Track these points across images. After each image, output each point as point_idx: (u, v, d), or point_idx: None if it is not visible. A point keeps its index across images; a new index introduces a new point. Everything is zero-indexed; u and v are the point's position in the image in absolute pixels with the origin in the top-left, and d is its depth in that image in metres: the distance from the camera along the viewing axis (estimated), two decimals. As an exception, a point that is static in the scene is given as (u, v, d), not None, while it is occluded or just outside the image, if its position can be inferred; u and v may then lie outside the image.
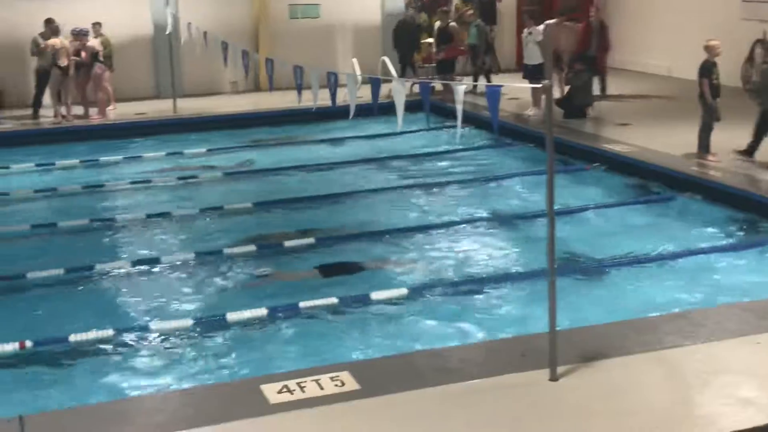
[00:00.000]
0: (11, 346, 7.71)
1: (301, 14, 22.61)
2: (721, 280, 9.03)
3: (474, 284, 9.20)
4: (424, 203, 12.61)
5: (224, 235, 11.21)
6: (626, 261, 9.69)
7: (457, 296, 8.89)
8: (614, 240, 10.47)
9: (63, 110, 18.40)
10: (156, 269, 9.99)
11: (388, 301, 8.73)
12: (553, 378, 6.25)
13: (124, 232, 11.61)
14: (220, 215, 12.23)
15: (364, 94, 9.77)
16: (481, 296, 8.89)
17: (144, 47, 21.55)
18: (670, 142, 13.83)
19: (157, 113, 19.09)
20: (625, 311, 8.07)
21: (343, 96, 10.14)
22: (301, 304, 8.51)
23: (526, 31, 17.68)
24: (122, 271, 9.92)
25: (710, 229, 10.72)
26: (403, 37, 20.54)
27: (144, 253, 10.66)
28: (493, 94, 6.84)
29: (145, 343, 7.98)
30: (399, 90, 8.08)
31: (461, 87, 7.15)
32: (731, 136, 13.09)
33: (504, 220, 11.50)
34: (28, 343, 7.76)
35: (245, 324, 8.25)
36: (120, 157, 15.99)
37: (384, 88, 9.43)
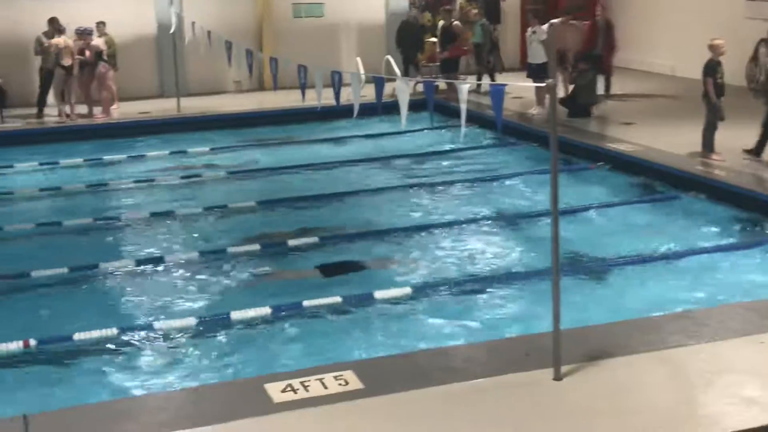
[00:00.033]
0: (15, 345, 7.72)
1: (305, 13, 22.61)
2: (725, 280, 9.02)
3: (478, 283, 9.19)
4: (427, 202, 12.60)
5: (227, 234, 11.22)
6: (630, 260, 9.67)
7: (460, 295, 8.89)
8: (618, 239, 10.46)
9: (67, 109, 18.42)
10: (159, 268, 9.99)
11: (392, 301, 8.73)
12: (557, 377, 6.24)
13: (127, 231, 11.62)
14: (224, 214, 12.24)
15: (368, 93, 9.76)
16: (484, 295, 8.89)
17: (148, 46, 21.57)
18: (674, 141, 13.82)
19: (161, 112, 19.11)
20: (628, 311, 8.06)
21: (347, 95, 10.17)
22: (305, 303, 8.51)
23: (530, 30, 17.68)
24: (125, 270, 9.93)
25: (714, 229, 10.71)
26: (407, 37, 20.52)
27: (147, 252, 10.66)
28: (497, 93, 6.84)
29: (149, 342, 7.98)
30: (403, 89, 8.08)
31: (465, 86, 7.14)
32: (736, 135, 13.07)
33: (508, 220, 11.49)
34: (33, 342, 7.78)
35: (249, 323, 8.26)
36: (124, 156, 16.00)
37: (388, 87, 9.41)
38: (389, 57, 19.83)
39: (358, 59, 19.62)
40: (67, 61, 18.06)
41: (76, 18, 19.00)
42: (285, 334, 8.12)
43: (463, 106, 7.06)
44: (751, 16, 18.39)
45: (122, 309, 8.96)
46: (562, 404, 5.97)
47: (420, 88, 16.98)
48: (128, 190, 13.90)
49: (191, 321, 8.29)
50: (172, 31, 18.81)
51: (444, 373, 6.42)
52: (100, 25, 19.29)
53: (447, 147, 16.12)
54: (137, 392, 7.04)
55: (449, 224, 11.29)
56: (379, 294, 8.78)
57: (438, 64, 20.51)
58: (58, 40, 18.09)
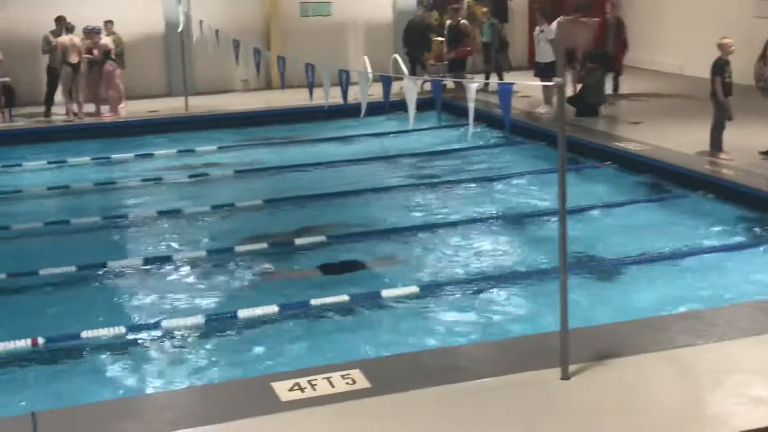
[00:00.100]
0: (24, 343, 7.73)
1: (313, 12, 22.63)
2: (734, 279, 8.99)
3: (485, 282, 9.18)
4: (434, 201, 12.60)
5: (234, 233, 11.22)
6: (637, 260, 9.65)
7: (468, 295, 8.88)
8: (626, 238, 10.44)
9: (75, 108, 18.46)
10: (166, 267, 10.00)
11: (399, 299, 8.73)
12: (565, 377, 6.23)
13: (135, 230, 11.65)
14: (231, 213, 12.25)
15: (376, 92, 9.76)
16: (492, 295, 8.88)
17: (156, 45, 21.61)
18: (682, 140, 13.79)
19: (169, 111, 19.14)
20: (636, 310, 8.04)
21: (354, 94, 10.15)
22: (312, 302, 8.51)
23: (538, 28, 17.64)
24: (133, 268, 9.94)
25: (723, 228, 10.68)
26: (414, 36, 20.51)
27: (155, 250, 10.69)
28: (505, 92, 6.83)
29: (156, 341, 7.99)
30: (410, 88, 8.07)
31: (473, 85, 7.13)
32: (744, 134, 13.04)
33: (515, 219, 11.47)
34: (41, 340, 7.79)
35: (256, 321, 8.26)
36: (132, 154, 16.03)
37: (395, 86, 9.41)
38: (397, 56, 19.83)
39: (366, 58, 19.62)
40: (73, 59, 18.10)
41: (85, 17, 19.06)
42: (292, 332, 8.13)
43: (471, 105, 7.04)
44: (760, 15, 18.35)
45: (129, 307, 8.98)
46: (569, 404, 5.96)
47: (427, 86, 17.03)
48: (136, 188, 13.93)
49: (198, 319, 8.29)
50: (180, 29, 18.84)
51: (451, 373, 6.41)
52: (108, 23, 19.34)
53: (455, 146, 16.11)
54: (145, 390, 7.05)
55: (456, 223, 11.28)
56: (386, 293, 8.78)
57: (446, 63, 20.49)
58: (64, 39, 18.13)
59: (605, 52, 17.87)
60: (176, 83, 20.51)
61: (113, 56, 18.79)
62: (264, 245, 10.51)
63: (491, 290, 8.97)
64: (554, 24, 17.05)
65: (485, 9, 21.63)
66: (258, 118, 18.72)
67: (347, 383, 6.22)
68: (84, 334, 7.91)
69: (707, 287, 8.74)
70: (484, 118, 15.62)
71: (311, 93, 11.34)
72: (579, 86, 17.05)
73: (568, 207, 6.20)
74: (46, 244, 11.16)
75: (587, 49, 17.57)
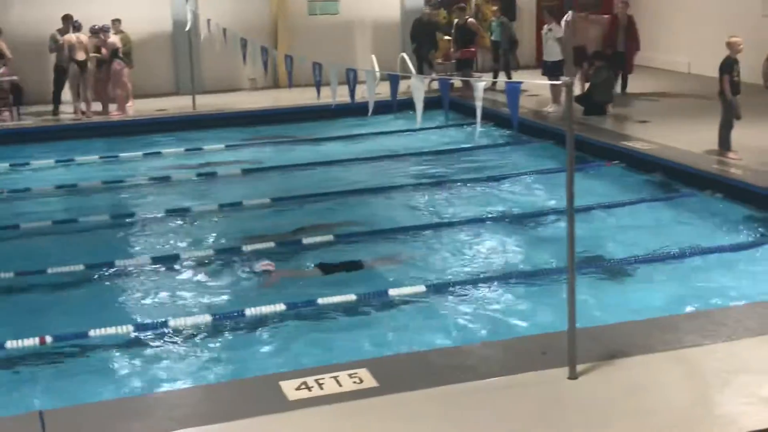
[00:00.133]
0: (31, 341, 7.75)
1: (320, 11, 22.63)
2: (742, 279, 8.96)
3: (492, 282, 9.16)
4: (442, 200, 12.58)
5: (241, 232, 11.21)
6: (645, 259, 9.63)
7: (475, 294, 8.86)
8: (633, 237, 10.42)
9: (83, 106, 18.49)
10: (173, 265, 10.00)
11: (407, 298, 8.73)
12: (572, 376, 6.22)
13: (142, 228, 11.64)
14: (239, 211, 12.26)
15: (383, 90, 9.77)
16: (499, 294, 8.86)
17: (164, 44, 21.63)
18: (690, 139, 13.76)
19: (176, 109, 19.17)
20: (644, 310, 8.02)
21: (361, 92, 10.16)
22: (320, 301, 8.51)
23: (545, 27, 17.62)
24: (140, 266, 9.95)
25: (731, 228, 10.65)
26: (421, 35, 20.50)
27: (162, 249, 10.71)
28: (513, 90, 6.82)
29: (164, 339, 8.00)
30: (418, 87, 8.07)
31: (481, 84, 7.13)
32: (752, 133, 13.00)
33: (523, 218, 11.44)
34: (48, 339, 7.80)
35: (263, 320, 8.27)
36: (139, 153, 16.04)
37: (403, 85, 9.40)
38: (404, 54, 19.83)
39: (373, 57, 19.61)
40: (80, 57, 18.13)
41: (93, 15, 19.09)
42: (299, 331, 8.13)
43: (479, 104, 7.04)
44: (768, 13, 18.33)
45: (137, 306, 8.99)
46: (577, 403, 5.95)
47: (435, 85, 17.03)
48: (143, 187, 13.95)
49: (206, 318, 8.30)
50: (187, 28, 18.86)
51: (458, 372, 6.41)
52: (116, 22, 19.36)
53: (462, 145, 16.09)
54: (152, 389, 7.05)
55: (464, 222, 11.27)
56: (393, 292, 8.78)
57: (453, 62, 20.47)
58: (71, 37, 18.16)
59: (616, 51, 17.84)
60: (184, 82, 20.54)
61: (121, 55, 18.80)
62: (271, 244, 10.50)
63: (498, 289, 8.96)
64: (562, 22, 17.02)
65: (494, 7, 21.60)
66: (265, 116, 18.74)
67: (354, 382, 6.22)
68: (91, 332, 7.92)
69: (715, 287, 8.72)
70: (491, 117, 15.62)
71: (319, 92, 11.35)
72: (587, 85, 17.01)
73: (575, 206, 6.19)
74: (53, 242, 11.17)
75: (597, 48, 17.52)
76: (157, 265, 9.98)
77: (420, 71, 19.67)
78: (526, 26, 23.64)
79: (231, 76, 21.52)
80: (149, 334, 8.07)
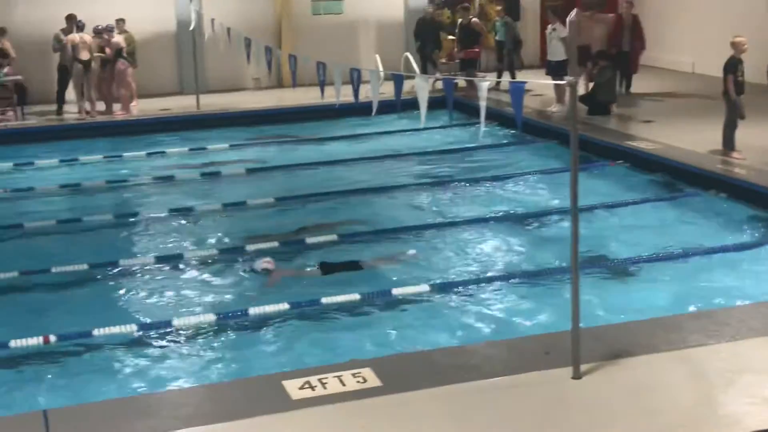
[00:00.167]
0: (35, 341, 7.76)
1: (324, 10, 22.63)
2: (746, 279, 8.95)
3: (496, 281, 9.16)
4: (446, 200, 12.58)
5: (245, 231, 11.21)
6: (649, 259, 9.62)
7: (479, 293, 8.86)
8: (637, 237, 10.41)
9: (87, 106, 18.50)
10: (177, 265, 10.01)
11: (411, 298, 8.73)
12: (576, 376, 6.22)
13: (146, 228, 11.66)
14: (242, 211, 12.26)
15: (387, 90, 9.76)
16: (503, 293, 8.86)
17: (168, 43, 21.65)
18: (694, 139, 13.74)
19: (180, 109, 19.18)
20: (647, 309, 8.02)
21: (365, 92, 10.16)
22: (323, 300, 8.51)
23: (550, 27, 17.60)
24: (144, 266, 9.96)
25: (735, 227, 10.64)
26: (424, 33, 20.49)
27: (166, 248, 10.71)
28: (517, 90, 6.82)
29: (168, 338, 8.01)
30: (422, 86, 8.06)
31: (485, 84, 7.12)
32: (757, 133, 12.98)
33: (526, 218, 11.44)
34: (52, 338, 7.81)
35: (267, 319, 8.27)
36: (143, 152, 16.05)
37: (407, 85, 9.40)
38: (408, 54, 19.83)
39: (377, 56, 19.61)
40: (84, 56, 18.14)
41: (97, 15, 19.10)
42: (303, 330, 8.12)
43: (483, 104, 7.03)
44: (773, 13, 18.30)
45: (141, 305, 9.00)
46: (580, 403, 5.95)
47: (439, 85, 17.02)
48: (147, 186, 13.96)
49: (210, 317, 8.30)
50: (191, 28, 18.87)
51: (462, 372, 6.41)
52: (120, 22, 19.37)
53: (466, 144, 16.08)
54: (156, 388, 7.05)
55: (467, 222, 11.26)
56: (397, 291, 8.78)
57: (457, 61, 20.46)
58: (74, 36, 18.17)
59: (621, 51, 17.81)
60: (188, 81, 20.54)
61: (125, 55, 18.82)
62: (275, 244, 10.51)
63: (502, 289, 8.96)
64: (566, 22, 17.02)
65: (498, 7, 21.57)
66: (269, 116, 18.73)
67: (358, 382, 6.22)
68: (96, 331, 7.93)
69: (719, 287, 8.71)
70: (495, 116, 15.61)
71: (323, 91, 11.34)
72: (591, 85, 17.00)
73: (579, 206, 6.19)
74: (57, 242, 11.19)
75: (602, 47, 17.49)
76: (161, 265, 9.99)
77: (424, 71, 19.66)
78: (530, 26, 23.62)
79: (235, 76, 21.53)
80: (153, 333, 8.08)
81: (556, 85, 15.96)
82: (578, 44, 17.32)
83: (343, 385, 6.19)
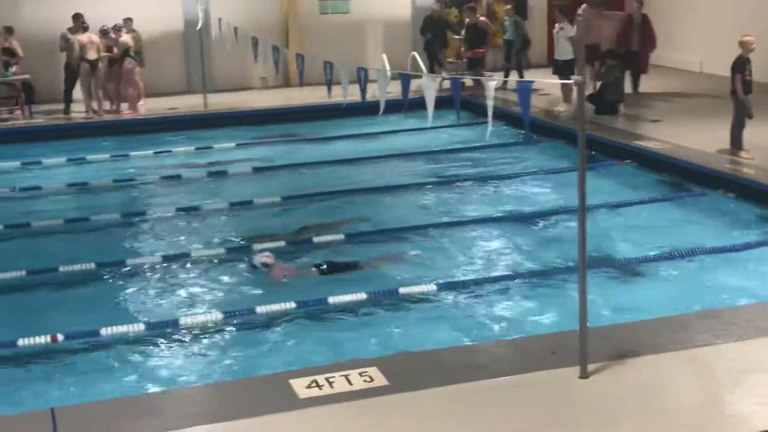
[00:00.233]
0: (43, 339, 7.78)
1: (331, 9, 22.65)
2: (753, 278, 8.93)
3: (503, 281, 9.16)
4: (453, 199, 12.57)
5: (252, 230, 11.22)
6: (656, 258, 9.61)
7: (486, 293, 8.85)
8: (644, 237, 10.40)
9: (94, 105, 18.53)
10: (181, 264, 10.00)
11: (417, 297, 8.72)
12: (584, 375, 6.21)
13: (153, 227, 11.67)
14: (249, 210, 12.27)
15: (394, 89, 9.77)
16: (510, 293, 8.85)
17: (175, 42, 21.67)
18: (702, 138, 13.71)
19: (188, 108, 19.20)
20: (654, 309, 8.00)
21: (372, 91, 10.16)
22: (330, 299, 8.51)
23: (557, 26, 17.57)
24: (151, 265, 9.96)
25: (742, 227, 10.62)
26: (431, 31, 20.47)
27: (173, 248, 10.71)
28: (525, 90, 6.81)
29: (175, 337, 8.02)
30: (429, 86, 8.06)
31: (492, 83, 7.12)
32: (764, 132, 12.95)
33: (534, 217, 11.43)
34: (60, 336, 7.83)
35: (274, 318, 8.28)
36: (151, 151, 16.08)
37: (414, 84, 9.40)
38: (415, 53, 19.82)
39: (384, 56, 19.61)
40: (91, 56, 18.17)
41: (104, 14, 19.14)
42: (309, 329, 8.13)
43: (490, 103, 7.02)
44: (781, 12, 18.25)
45: (148, 304, 9.01)
46: (588, 403, 5.94)
47: (446, 84, 17.02)
48: (155, 185, 13.97)
49: (216, 316, 8.31)
50: (198, 27, 18.90)
51: (469, 371, 6.41)
52: (127, 21, 19.40)
53: (473, 144, 16.06)
54: (163, 387, 7.06)
55: (474, 222, 11.26)
56: (404, 290, 8.78)
57: (464, 61, 20.44)
58: (82, 37, 18.20)
59: (630, 50, 17.77)
60: (195, 80, 20.57)
61: (132, 54, 18.84)
62: (282, 243, 10.51)
63: (508, 288, 8.95)
64: (575, 19, 16.95)
65: (507, 6, 21.55)
66: (276, 115, 18.75)
67: (365, 381, 6.22)
68: (103, 330, 7.95)
69: (726, 286, 8.69)
70: (503, 116, 15.59)
71: (330, 90, 11.35)
72: (598, 84, 16.96)
73: (586, 205, 6.17)
74: (65, 241, 11.20)
75: (610, 46, 17.44)
76: (168, 264, 10.00)
77: (431, 70, 19.65)
78: (537, 25, 23.59)
79: (242, 75, 21.55)
80: (160, 332, 8.09)
81: (563, 84, 15.93)
82: (586, 43, 17.25)
83: (350, 384, 6.19)
